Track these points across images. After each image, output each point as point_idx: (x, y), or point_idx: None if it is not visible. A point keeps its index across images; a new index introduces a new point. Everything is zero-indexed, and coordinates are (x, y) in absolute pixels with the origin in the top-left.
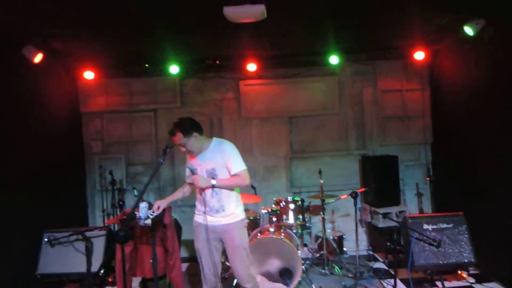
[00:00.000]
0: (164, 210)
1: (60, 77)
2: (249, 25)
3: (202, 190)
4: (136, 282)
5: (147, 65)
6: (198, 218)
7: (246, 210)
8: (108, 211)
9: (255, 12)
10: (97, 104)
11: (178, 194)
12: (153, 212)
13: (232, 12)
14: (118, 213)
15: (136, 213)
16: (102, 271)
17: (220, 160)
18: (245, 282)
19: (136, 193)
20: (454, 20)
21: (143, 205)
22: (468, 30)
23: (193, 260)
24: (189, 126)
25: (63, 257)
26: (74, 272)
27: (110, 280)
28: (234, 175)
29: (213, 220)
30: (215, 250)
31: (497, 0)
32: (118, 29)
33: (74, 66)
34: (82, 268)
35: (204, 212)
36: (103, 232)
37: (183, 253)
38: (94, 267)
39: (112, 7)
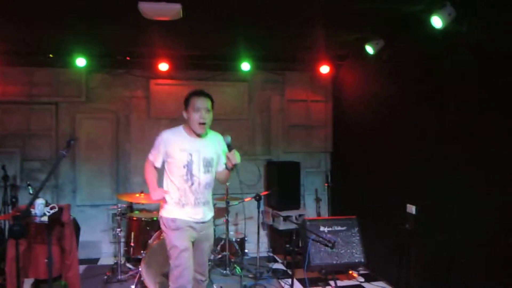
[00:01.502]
0: (61, 208)
1: None
2: (164, 23)
3: (189, 179)
4: (27, 284)
5: (51, 55)
6: (183, 214)
7: (148, 211)
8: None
9: (170, 11)
10: None
11: (153, 176)
12: (50, 209)
13: (147, 8)
14: (11, 210)
15: (32, 210)
16: None
17: (218, 151)
18: (206, 273)
19: (31, 191)
20: (357, 38)
21: (39, 202)
22: (369, 49)
23: (91, 262)
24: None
25: None
26: None
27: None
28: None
29: (198, 215)
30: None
31: (394, 24)
32: (22, 13)
33: None
34: None
35: (196, 204)
36: None
37: (81, 255)
38: None
39: None
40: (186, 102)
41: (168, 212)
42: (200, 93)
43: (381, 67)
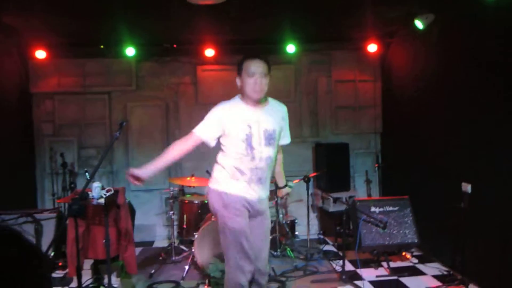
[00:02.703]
0: (117, 191)
1: (10, 55)
2: (208, 8)
3: (250, 150)
4: (87, 264)
5: (102, 46)
6: (241, 190)
7: (199, 194)
8: (59, 195)
9: None
10: (48, 85)
11: (166, 159)
12: (106, 192)
13: None
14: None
15: (89, 193)
16: (51, 253)
17: (281, 123)
18: (266, 267)
19: (88, 176)
20: (405, 13)
21: (96, 185)
22: (418, 24)
23: (146, 244)
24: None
25: None
26: None
27: (60, 264)
28: (282, 148)
29: (252, 194)
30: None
31: None
32: (73, 6)
33: (25, 44)
34: None
35: (251, 180)
36: (53, 214)
37: (137, 238)
38: (44, 250)
39: None
40: (239, 67)
41: (219, 185)
42: (254, 56)
43: (432, 43)
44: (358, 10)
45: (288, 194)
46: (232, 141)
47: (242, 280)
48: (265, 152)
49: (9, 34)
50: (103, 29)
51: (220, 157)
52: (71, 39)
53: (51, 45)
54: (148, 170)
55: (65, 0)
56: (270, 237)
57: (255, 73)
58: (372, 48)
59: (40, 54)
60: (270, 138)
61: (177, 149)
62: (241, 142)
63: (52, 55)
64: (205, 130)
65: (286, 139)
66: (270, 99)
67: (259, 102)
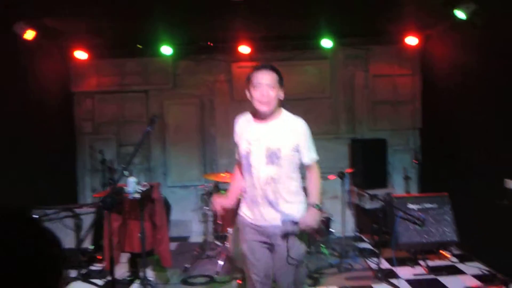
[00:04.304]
0: (152, 186)
1: (53, 56)
2: (243, 5)
3: (249, 172)
4: (124, 258)
5: (139, 46)
6: (248, 213)
7: None
8: (98, 191)
9: None
10: (88, 84)
11: (237, 187)
12: (142, 187)
13: None
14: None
15: (125, 188)
16: (91, 247)
17: (291, 140)
18: None
19: (126, 174)
20: (445, 3)
21: (132, 180)
22: (460, 14)
23: (182, 240)
24: (282, 78)
25: None
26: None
27: (99, 257)
28: (308, 166)
29: (259, 218)
30: (265, 249)
31: None
32: (111, 7)
33: (67, 45)
34: (70, 244)
35: (256, 203)
36: (93, 209)
37: (173, 233)
38: (84, 244)
39: None
40: (247, 79)
41: (239, 207)
42: (261, 67)
43: (475, 34)
44: (396, 1)
45: (314, 219)
46: (241, 158)
47: None
48: (265, 171)
49: (52, 37)
50: (141, 29)
51: None
52: (110, 40)
53: (91, 46)
54: (229, 200)
55: (104, 2)
56: None
57: (261, 84)
58: (411, 41)
59: (81, 55)
60: (273, 156)
61: (238, 177)
62: (244, 159)
63: (92, 56)
64: (237, 151)
65: (306, 157)
66: (284, 114)
67: (268, 116)
